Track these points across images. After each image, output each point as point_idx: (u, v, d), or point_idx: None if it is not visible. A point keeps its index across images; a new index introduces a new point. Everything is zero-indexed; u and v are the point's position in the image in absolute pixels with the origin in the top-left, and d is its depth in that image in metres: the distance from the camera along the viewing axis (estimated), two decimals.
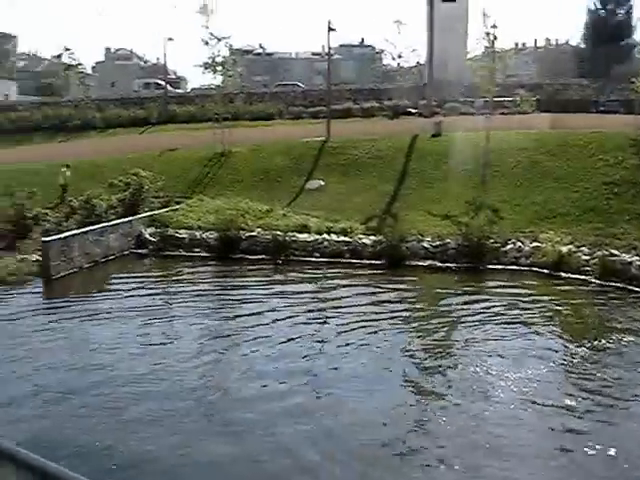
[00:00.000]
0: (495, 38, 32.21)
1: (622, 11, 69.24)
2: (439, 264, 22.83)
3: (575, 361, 14.07)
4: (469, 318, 17.23)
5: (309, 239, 24.59)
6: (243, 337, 15.96)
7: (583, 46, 75.77)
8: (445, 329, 16.64)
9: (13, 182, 28.32)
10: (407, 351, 14.86)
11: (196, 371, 13.52)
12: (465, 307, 18.34)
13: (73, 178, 30.96)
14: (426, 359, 14.43)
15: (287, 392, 12.43)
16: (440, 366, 13.94)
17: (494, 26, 33.63)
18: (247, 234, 25.06)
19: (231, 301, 19.59)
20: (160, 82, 59.76)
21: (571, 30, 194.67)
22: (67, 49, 54.14)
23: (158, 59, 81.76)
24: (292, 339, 15.43)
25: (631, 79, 31.72)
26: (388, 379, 13.37)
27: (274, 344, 15.03)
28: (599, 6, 71.00)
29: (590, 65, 64.23)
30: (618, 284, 19.96)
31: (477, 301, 18.82)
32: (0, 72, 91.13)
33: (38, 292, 20.62)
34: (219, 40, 36.00)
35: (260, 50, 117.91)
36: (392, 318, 17.24)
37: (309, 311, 18.04)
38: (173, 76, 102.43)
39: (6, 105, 56.84)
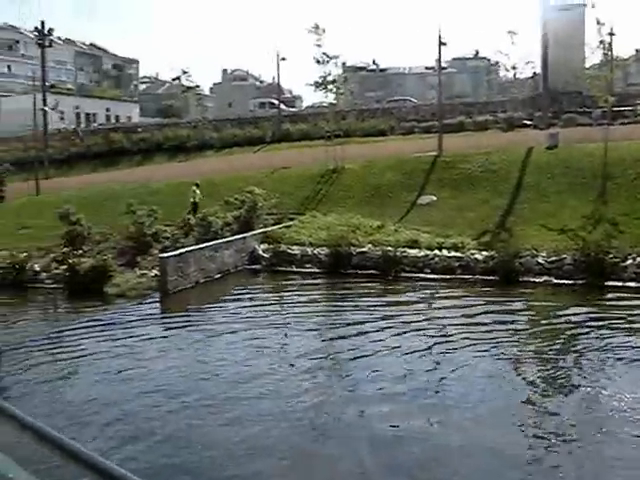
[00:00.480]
0: (612, 46, 31.09)
1: None
2: (555, 280, 22.14)
3: None
4: (592, 340, 16.56)
5: (420, 255, 24.40)
6: (358, 352, 15.94)
7: None
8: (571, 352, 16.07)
9: (134, 200, 29.41)
10: (524, 378, 14.44)
11: (306, 389, 13.57)
12: (585, 326, 17.63)
13: (190, 195, 32.03)
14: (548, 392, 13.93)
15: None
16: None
17: (611, 33, 32.58)
18: (358, 250, 25.13)
19: (341, 316, 19.67)
20: (274, 101, 61.02)
21: None
22: (185, 72, 56.16)
23: (273, 79, 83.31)
24: (411, 352, 15.22)
25: None
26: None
27: (391, 361, 14.92)
28: None
29: None
30: None
31: (596, 319, 18.07)
32: (123, 95, 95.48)
33: (155, 305, 21.41)
34: (331, 58, 36.37)
35: (373, 66, 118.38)
36: (507, 335, 16.83)
37: (420, 328, 17.81)
38: (288, 95, 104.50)
39: (129, 127, 59.45)
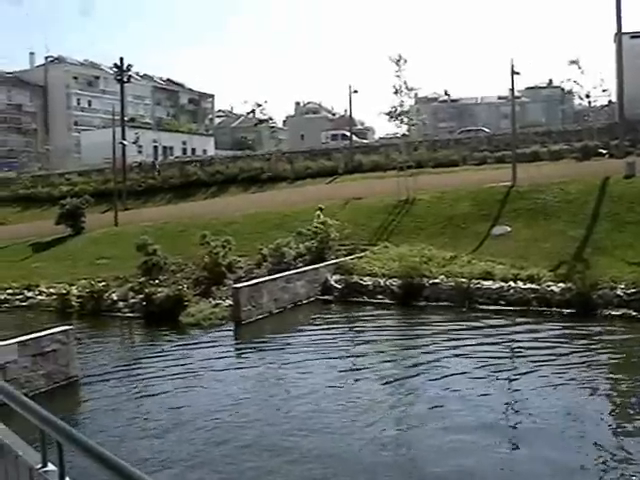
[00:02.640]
0: None
1: None
2: (634, 313, 21.51)
3: None
4: None
5: (494, 286, 24.06)
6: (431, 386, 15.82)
7: None
8: None
9: (209, 231, 29.97)
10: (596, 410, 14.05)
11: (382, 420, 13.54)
12: None
13: (263, 226, 32.56)
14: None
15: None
16: None
17: None
18: (430, 281, 24.99)
19: (412, 347, 19.56)
20: (346, 133, 61.53)
21: None
22: (259, 105, 57.25)
23: (345, 111, 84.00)
24: (485, 395, 14.87)
25: None
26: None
27: (463, 395, 14.74)
28: None
29: None
30: None
31: None
32: (199, 129, 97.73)
33: (229, 335, 21.72)
34: (410, 90, 36.62)
35: (445, 97, 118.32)
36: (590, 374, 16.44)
37: (490, 362, 17.55)
38: (360, 127, 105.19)
39: (204, 159, 60.71)
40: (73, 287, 27.25)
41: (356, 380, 16.40)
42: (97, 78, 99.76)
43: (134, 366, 18.67)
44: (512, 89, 40.39)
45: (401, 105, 37.01)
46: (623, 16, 38.39)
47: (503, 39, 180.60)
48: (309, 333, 21.67)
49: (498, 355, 17.96)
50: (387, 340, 20.36)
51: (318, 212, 31.73)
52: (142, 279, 27.08)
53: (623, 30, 39.68)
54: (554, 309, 22.50)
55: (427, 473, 11.10)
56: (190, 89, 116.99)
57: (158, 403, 15.03)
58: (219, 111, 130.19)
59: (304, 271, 26.29)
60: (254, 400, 14.94)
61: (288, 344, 20.24)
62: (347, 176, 46.12)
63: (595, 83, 43.68)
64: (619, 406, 14.20)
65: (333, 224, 29.98)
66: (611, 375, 16.37)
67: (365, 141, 69.52)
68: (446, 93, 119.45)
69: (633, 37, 46.95)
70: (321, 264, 27.47)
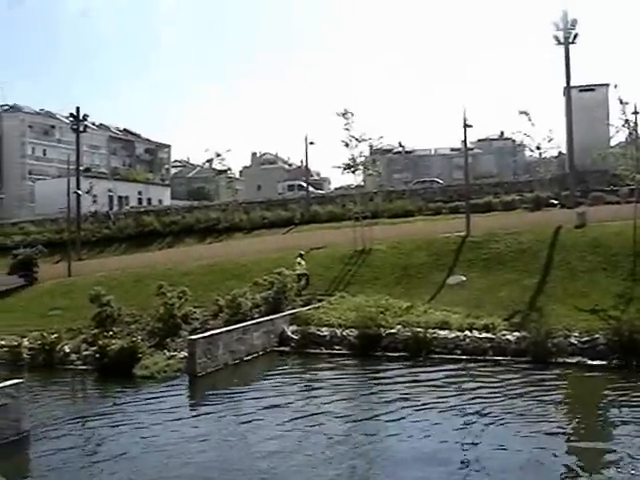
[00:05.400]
0: (636, 124, 31.45)
1: None
2: (588, 361, 21.73)
3: None
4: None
5: (450, 336, 24.16)
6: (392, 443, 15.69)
7: None
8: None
9: (165, 282, 29.70)
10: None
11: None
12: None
13: (219, 277, 32.39)
14: None
15: None
16: None
17: (635, 112, 33.01)
18: (387, 331, 25.00)
19: (372, 398, 19.45)
20: (303, 184, 62.03)
21: None
22: (218, 155, 57.22)
23: (301, 162, 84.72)
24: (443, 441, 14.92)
25: None
26: None
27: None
28: None
29: None
30: None
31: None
32: (155, 178, 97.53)
33: (184, 388, 21.33)
34: (359, 142, 36.97)
35: (399, 148, 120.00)
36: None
37: (452, 409, 17.52)
38: (316, 177, 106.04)
39: (160, 209, 60.44)
40: (24, 339, 26.71)
41: (306, 434, 16.07)
42: (53, 127, 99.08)
43: (86, 421, 18.17)
44: (464, 141, 41.19)
45: (358, 156, 37.31)
46: (572, 70, 39.58)
47: (456, 91, 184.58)
48: (264, 386, 21.36)
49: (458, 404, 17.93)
50: (341, 392, 20.16)
51: (299, 259, 31.93)
52: (95, 331, 26.68)
53: (572, 84, 40.84)
54: (509, 358, 22.63)
55: None
56: (147, 139, 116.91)
57: (111, 460, 14.55)
58: (175, 161, 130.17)
59: (260, 322, 26.10)
60: (209, 456, 14.62)
61: (243, 398, 19.90)
62: (304, 226, 46.25)
63: (545, 135, 44.67)
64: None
65: (290, 274, 29.98)
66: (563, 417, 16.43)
67: (321, 191, 70.11)
68: (400, 145, 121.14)
69: (582, 90, 48.32)
70: (278, 315, 27.33)
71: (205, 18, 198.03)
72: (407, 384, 20.57)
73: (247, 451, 14.97)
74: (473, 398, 18.47)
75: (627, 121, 33.78)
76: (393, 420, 16.85)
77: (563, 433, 15.63)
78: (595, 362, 21.58)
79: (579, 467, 13.46)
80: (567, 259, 29.45)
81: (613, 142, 47.74)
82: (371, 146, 44.89)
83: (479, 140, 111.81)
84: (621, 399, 17.96)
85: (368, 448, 15.08)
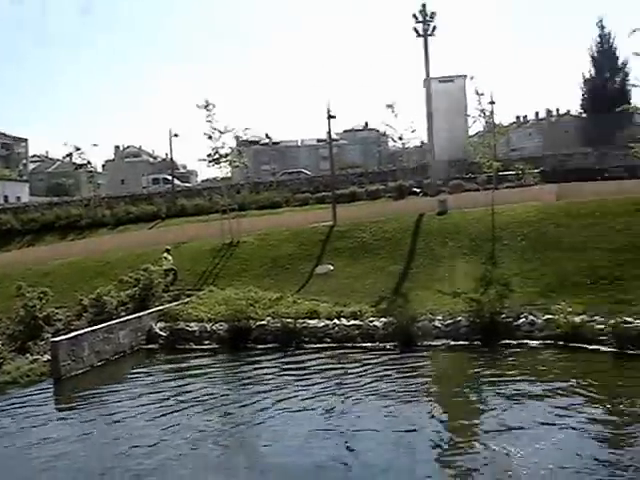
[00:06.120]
0: (492, 114, 32.75)
1: (618, 78, 70.68)
2: (452, 343, 22.52)
3: None
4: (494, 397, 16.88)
5: (319, 325, 24.39)
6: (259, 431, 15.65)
7: (584, 115, 77.15)
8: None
9: (24, 282, 28.46)
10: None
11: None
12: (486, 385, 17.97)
13: (82, 275, 31.35)
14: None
15: None
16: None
17: (492, 102, 34.35)
18: (257, 323, 24.94)
19: (241, 390, 19.38)
20: (168, 177, 60.88)
21: (571, 100, 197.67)
22: (77, 149, 55.09)
23: (166, 154, 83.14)
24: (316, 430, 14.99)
25: (630, 144, 31.73)
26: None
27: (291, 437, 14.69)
28: (594, 74, 72.57)
29: (592, 133, 65.18)
30: (633, 351, 19.64)
31: (495, 382, 18.38)
32: (12, 174, 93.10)
33: (49, 392, 20.45)
34: (222, 133, 36.57)
35: (266, 140, 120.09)
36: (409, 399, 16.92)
37: (320, 394, 17.68)
38: (183, 170, 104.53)
39: (18, 206, 57.78)
40: None
41: (174, 428, 15.79)
42: None
43: None
44: (329, 132, 41.61)
45: (222, 147, 36.91)
46: (431, 62, 40.70)
47: (321, 83, 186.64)
48: (130, 385, 20.75)
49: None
50: (210, 386, 19.94)
51: (165, 254, 31.32)
52: None
53: (431, 75, 42.02)
54: (378, 344, 23.08)
55: None
56: (2, 133, 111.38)
57: None
58: (34, 156, 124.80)
59: (127, 320, 25.37)
60: (74, 457, 14.17)
61: (109, 398, 19.29)
62: (170, 220, 45.45)
63: (407, 126, 45.98)
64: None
65: (156, 270, 29.35)
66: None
67: (188, 185, 69.01)
68: (267, 136, 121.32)
69: (441, 82, 49.89)
70: (145, 312, 26.69)
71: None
72: (276, 374, 20.64)
73: (113, 450, 14.58)
74: (342, 384, 18.80)
75: (483, 111, 35.18)
76: (261, 410, 16.87)
77: (431, 412, 16.12)
78: (459, 343, 22.41)
79: (447, 443, 13.96)
80: (430, 245, 30.33)
81: (471, 132, 49.75)
82: (237, 138, 44.63)
83: (345, 131, 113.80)
84: (484, 377, 18.78)
85: (238, 439, 15.10)
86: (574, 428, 14.07)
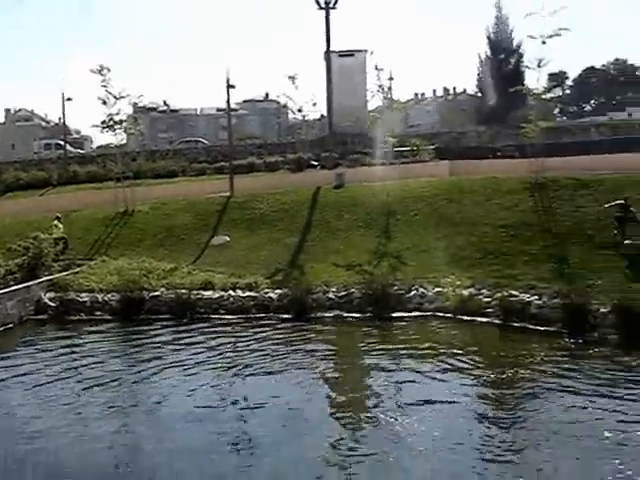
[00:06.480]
0: (390, 90, 33.14)
1: (513, 59, 72.82)
2: (345, 314, 22.89)
3: None
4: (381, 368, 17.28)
5: (214, 296, 24.30)
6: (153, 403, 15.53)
7: (479, 94, 79.29)
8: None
9: None
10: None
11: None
12: (376, 356, 18.36)
13: None
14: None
15: None
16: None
17: (391, 78, 34.76)
18: (150, 294, 24.61)
19: (130, 361, 19.21)
20: (61, 142, 58.96)
21: (468, 79, 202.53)
22: None
23: (59, 119, 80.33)
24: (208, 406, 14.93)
25: (522, 125, 32.75)
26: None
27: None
28: (490, 55, 74.54)
29: (487, 112, 67.03)
30: (518, 324, 20.53)
31: (385, 351, 18.79)
32: None
33: None
34: (117, 99, 35.57)
35: (164, 107, 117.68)
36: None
37: (217, 368, 17.67)
38: (76, 136, 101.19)
39: None
40: None
41: (54, 398, 15.52)
42: None
43: None
44: (228, 101, 41.26)
45: (117, 114, 35.92)
46: (332, 36, 40.75)
47: (222, 51, 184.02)
48: (16, 356, 20.10)
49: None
50: (98, 356, 19.61)
51: (55, 222, 30.42)
52: None
53: (332, 49, 42.10)
54: (273, 315, 23.23)
55: None
56: None
57: None
58: None
59: (14, 290, 24.52)
60: None
61: None
62: (62, 187, 44.08)
63: (308, 98, 45.99)
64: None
65: (46, 238, 28.44)
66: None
67: (81, 151, 66.98)
68: (165, 103, 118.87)
69: (341, 56, 49.98)
70: (34, 282, 25.86)
71: None
72: (167, 345, 20.46)
73: None
74: (234, 354, 18.98)
75: (381, 86, 35.63)
76: (154, 382, 16.81)
77: (325, 381, 16.47)
78: (351, 315, 22.80)
79: (332, 416, 14.25)
80: (326, 218, 30.63)
81: (370, 106, 50.19)
82: (135, 104, 43.52)
83: (244, 101, 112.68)
84: (373, 349, 19.14)
85: (130, 410, 14.98)
86: (459, 396, 14.65)
